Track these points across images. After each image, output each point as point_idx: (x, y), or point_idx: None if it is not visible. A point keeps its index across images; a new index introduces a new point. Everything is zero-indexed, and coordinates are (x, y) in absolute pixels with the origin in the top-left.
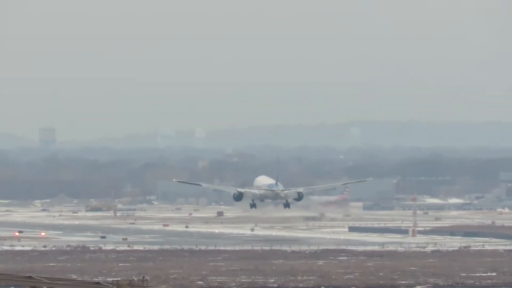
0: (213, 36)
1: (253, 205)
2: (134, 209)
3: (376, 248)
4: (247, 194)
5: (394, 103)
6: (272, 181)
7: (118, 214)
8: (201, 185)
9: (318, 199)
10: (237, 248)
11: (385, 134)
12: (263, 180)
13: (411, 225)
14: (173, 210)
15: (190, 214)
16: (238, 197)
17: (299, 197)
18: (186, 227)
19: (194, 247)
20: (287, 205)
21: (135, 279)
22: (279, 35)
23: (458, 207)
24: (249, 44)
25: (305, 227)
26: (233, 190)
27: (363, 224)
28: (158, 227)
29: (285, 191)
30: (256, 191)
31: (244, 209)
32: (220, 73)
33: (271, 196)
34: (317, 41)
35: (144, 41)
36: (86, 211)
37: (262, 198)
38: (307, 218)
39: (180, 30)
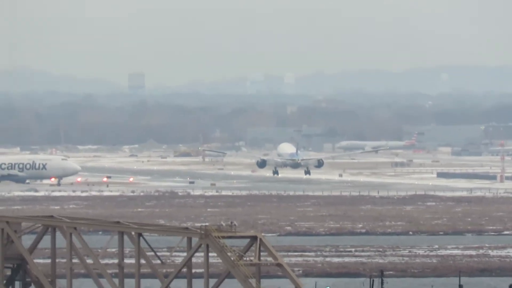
0: None
1: (275, 172)
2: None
3: (464, 193)
4: (270, 162)
5: (485, 48)
6: (294, 150)
7: (207, 159)
8: (225, 153)
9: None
10: (325, 193)
11: (476, 79)
12: (286, 148)
13: (499, 170)
14: (265, 155)
15: None
16: (262, 164)
17: (319, 164)
18: (273, 172)
19: (282, 193)
20: (307, 172)
21: (223, 224)
22: None
23: None
24: None
25: (393, 173)
26: (257, 158)
27: (451, 170)
28: (246, 172)
29: (305, 160)
30: (278, 160)
31: (262, 177)
32: (309, 17)
33: (292, 165)
34: None
35: None
36: (175, 156)
37: (283, 165)
38: (396, 164)
39: None
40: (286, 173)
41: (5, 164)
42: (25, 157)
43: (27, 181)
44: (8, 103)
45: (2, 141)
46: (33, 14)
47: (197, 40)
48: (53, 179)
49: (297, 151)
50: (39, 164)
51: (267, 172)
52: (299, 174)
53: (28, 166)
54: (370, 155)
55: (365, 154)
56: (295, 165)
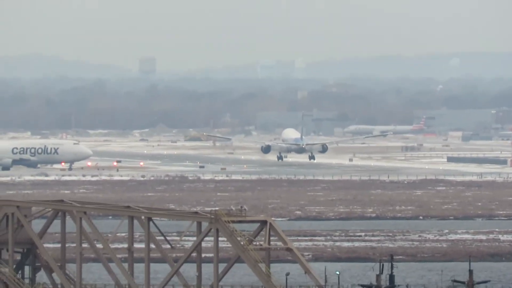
0: None
1: (280, 157)
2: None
3: (474, 178)
4: (274, 147)
5: (495, 34)
6: (298, 135)
7: (217, 144)
8: (230, 139)
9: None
10: (335, 178)
11: (486, 65)
12: (290, 134)
13: (510, 155)
14: (271, 140)
15: None
16: (266, 149)
17: (324, 149)
18: (285, 156)
19: (292, 177)
20: (312, 157)
21: (233, 208)
22: None
23: None
24: None
25: (403, 157)
26: (262, 144)
27: (461, 154)
28: (256, 157)
29: (309, 145)
30: (283, 145)
31: (271, 162)
32: (321, 3)
33: (297, 150)
34: None
35: None
36: (185, 140)
37: (288, 151)
38: (406, 148)
39: None
40: (290, 158)
41: (17, 148)
42: (37, 142)
43: (38, 165)
44: (19, 89)
45: (13, 125)
46: (43, 0)
47: (208, 25)
48: (63, 163)
49: (301, 136)
50: (51, 148)
51: (272, 158)
52: (304, 159)
53: (40, 151)
54: (380, 139)
55: (375, 138)
56: (300, 150)
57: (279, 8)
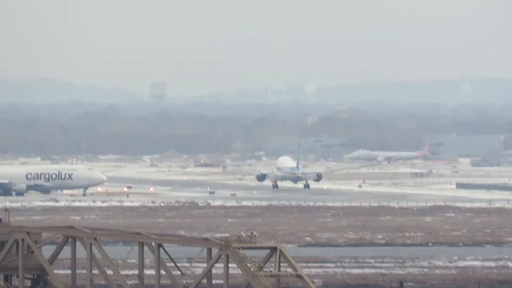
0: None
1: (275, 186)
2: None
3: (483, 205)
4: (270, 175)
5: (506, 59)
6: (294, 163)
7: (228, 169)
8: (225, 167)
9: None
10: (345, 204)
11: (497, 91)
12: (285, 162)
13: None
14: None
15: None
16: (261, 178)
17: (318, 178)
18: (273, 186)
19: (302, 203)
20: (307, 186)
21: (243, 235)
22: None
23: None
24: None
25: (412, 184)
26: (257, 172)
27: (470, 180)
28: (266, 183)
29: (305, 174)
30: (278, 173)
31: (266, 190)
32: (332, 28)
33: (292, 178)
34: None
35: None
36: (195, 166)
37: (283, 179)
38: (415, 175)
39: None
40: (286, 187)
41: (31, 174)
42: (51, 167)
43: (51, 191)
44: (32, 114)
45: (25, 151)
46: (56, 26)
47: (219, 50)
48: (75, 191)
49: (297, 165)
50: (65, 174)
51: (268, 184)
52: (299, 187)
53: (54, 176)
54: (388, 165)
55: (380, 164)
56: (296, 179)
57: (290, 33)
